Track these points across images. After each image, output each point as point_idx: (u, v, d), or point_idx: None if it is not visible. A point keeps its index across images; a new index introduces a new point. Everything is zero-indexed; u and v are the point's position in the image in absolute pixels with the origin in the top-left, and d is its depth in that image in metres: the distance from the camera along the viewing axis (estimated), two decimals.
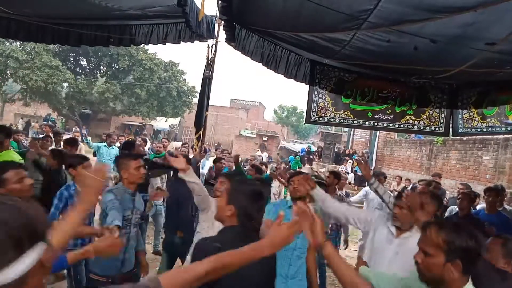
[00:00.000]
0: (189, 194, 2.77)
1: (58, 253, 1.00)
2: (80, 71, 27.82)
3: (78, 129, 22.47)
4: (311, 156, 19.30)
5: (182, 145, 9.84)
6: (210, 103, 4.82)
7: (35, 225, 0.79)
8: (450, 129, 5.06)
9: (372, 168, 17.16)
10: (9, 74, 22.76)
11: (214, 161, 5.92)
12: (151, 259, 5.48)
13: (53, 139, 6.43)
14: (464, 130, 4.98)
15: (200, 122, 4.64)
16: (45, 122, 20.20)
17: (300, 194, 2.80)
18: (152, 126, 32.47)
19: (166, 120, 32.23)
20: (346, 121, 5.17)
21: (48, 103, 25.52)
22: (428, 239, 1.46)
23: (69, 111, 26.39)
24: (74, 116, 27.00)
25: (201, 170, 6.72)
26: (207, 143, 9.37)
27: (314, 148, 22.18)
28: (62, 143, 6.31)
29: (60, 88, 24.81)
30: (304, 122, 6.92)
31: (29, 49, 22.52)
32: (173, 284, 1.15)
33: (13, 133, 5.33)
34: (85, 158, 3.27)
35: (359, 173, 15.77)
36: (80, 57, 27.58)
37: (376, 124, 5.11)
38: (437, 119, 4.97)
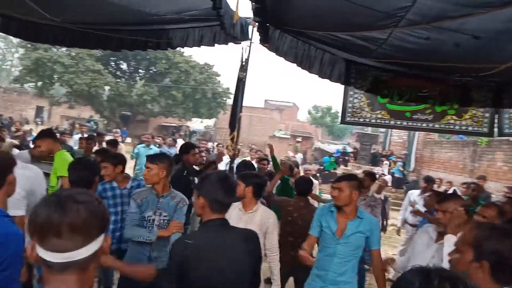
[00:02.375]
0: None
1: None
2: (121, 75, 28.98)
3: (118, 130, 23.41)
4: (346, 157, 18.96)
5: (217, 145, 10.00)
6: (244, 104, 4.86)
7: (106, 218, 1.01)
8: (495, 129, 4.78)
9: (411, 170, 16.57)
10: (56, 78, 24.09)
11: (258, 161, 5.87)
12: None
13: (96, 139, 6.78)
14: (511, 130, 4.70)
15: (234, 123, 4.69)
16: (87, 124, 21.25)
17: (340, 204, 2.68)
18: (188, 127, 33.22)
19: (201, 121, 32.88)
20: (383, 122, 5.03)
21: (91, 106, 26.82)
22: (462, 236, 1.44)
23: (110, 113, 27.57)
24: (114, 117, 28.18)
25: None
26: (241, 144, 9.44)
27: (349, 149, 21.77)
28: (104, 143, 6.62)
29: (102, 91, 25.99)
30: (339, 123, 6.80)
31: (74, 54, 23.74)
32: None
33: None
34: (122, 160, 3.40)
35: (396, 174, 15.28)
36: (121, 61, 28.73)
37: (414, 124, 4.93)
38: (480, 119, 4.71)
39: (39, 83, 24.80)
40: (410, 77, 4.34)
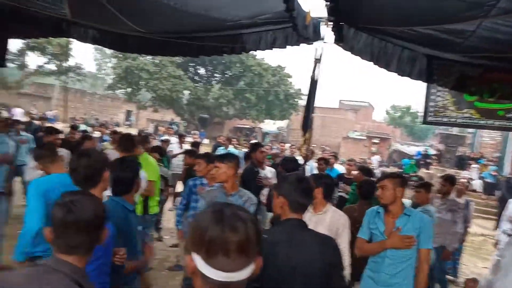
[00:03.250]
0: None
1: None
2: (199, 79, 30.63)
3: (197, 132, 24.79)
4: (428, 160, 17.66)
5: (290, 146, 10.04)
6: (317, 105, 4.82)
7: (261, 237, 0.98)
8: None
9: (506, 174, 14.82)
10: (142, 84, 26.33)
11: (317, 161, 5.91)
12: None
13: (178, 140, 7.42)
14: None
15: (306, 124, 4.67)
16: (170, 126, 22.88)
17: (385, 202, 2.61)
18: (261, 128, 33.82)
19: (274, 123, 33.26)
20: (471, 121, 4.60)
21: (173, 109, 28.81)
22: None
23: (189, 116, 29.31)
24: (193, 120, 29.87)
25: (307, 172, 6.74)
26: (313, 145, 9.37)
27: (432, 151, 20.22)
28: (184, 144, 7.11)
29: (182, 95, 27.76)
30: (420, 123, 6.37)
31: (157, 62, 25.72)
32: None
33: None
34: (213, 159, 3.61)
35: (487, 179, 13.83)
36: (199, 67, 30.36)
37: (509, 124, 4.42)
38: None
39: (128, 89, 27.36)
40: (503, 71, 3.90)
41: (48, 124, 8.93)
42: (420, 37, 3.54)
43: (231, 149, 7.87)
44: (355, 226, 3.49)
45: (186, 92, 27.96)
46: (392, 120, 41.10)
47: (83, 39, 5.62)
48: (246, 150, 7.73)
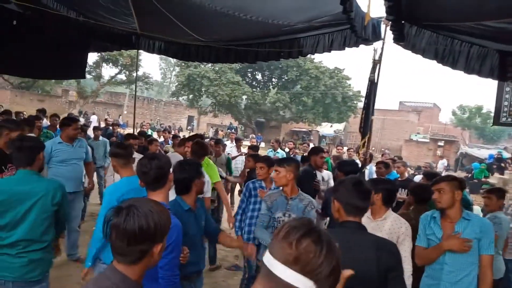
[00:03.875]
0: None
1: None
2: (256, 84, 31.14)
3: (254, 136, 25.18)
4: (502, 164, 16.16)
5: (347, 150, 9.83)
6: (376, 107, 4.69)
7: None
8: None
9: None
10: (203, 91, 27.46)
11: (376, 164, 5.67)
12: None
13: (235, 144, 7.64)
14: None
15: (366, 127, 4.56)
16: (228, 130, 23.53)
17: (442, 206, 2.47)
18: (318, 131, 33.40)
19: (331, 126, 32.68)
20: None
21: (231, 114, 29.62)
22: None
23: (247, 120, 29.90)
24: (251, 124, 30.42)
25: (366, 177, 6.56)
26: (373, 148, 9.08)
27: (506, 155, 18.50)
28: (241, 147, 7.32)
29: (240, 101, 28.44)
30: (491, 124, 5.89)
31: (217, 69, 26.66)
32: None
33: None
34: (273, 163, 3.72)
35: None
36: (256, 72, 30.87)
37: None
38: None
39: (190, 96, 28.68)
40: None
41: (119, 130, 9.68)
42: (491, 32, 3.31)
43: (279, 151, 7.92)
44: (413, 234, 3.34)
45: (244, 97, 28.58)
46: (460, 122, 38.25)
47: (150, 50, 6.07)
48: (302, 153, 7.73)
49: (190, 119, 38.10)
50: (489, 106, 33.60)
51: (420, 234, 2.65)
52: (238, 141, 8.20)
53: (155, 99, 39.34)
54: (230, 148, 7.80)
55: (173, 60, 43.54)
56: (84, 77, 6.36)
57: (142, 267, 1.24)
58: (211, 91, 26.31)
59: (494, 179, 13.59)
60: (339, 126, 33.22)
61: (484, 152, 22.93)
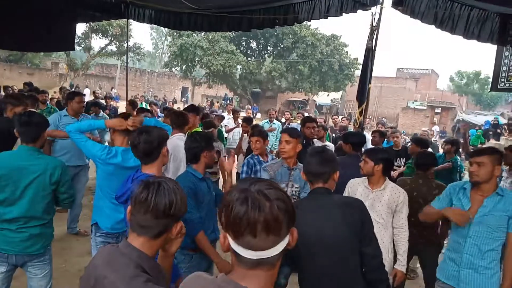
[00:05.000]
0: (357, 168, 2.79)
1: None
2: (251, 53, 30.58)
3: (249, 106, 25.04)
4: (498, 130, 16.27)
5: (342, 118, 9.78)
6: (373, 75, 4.62)
7: (294, 213, 0.96)
8: None
9: None
10: (196, 61, 26.95)
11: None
12: None
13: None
14: None
15: (363, 95, 4.52)
16: (224, 102, 23.29)
17: (480, 180, 2.37)
18: (315, 101, 33.21)
19: (328, 95, 32.46)
20: None
21: (226, 84, 29.23)
22: None
23: (242, 90, 29.57)
24: (246, 95, 30.12)
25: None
26: (369, 117, 9.06)
27: (503, 121, 18.59)
28: (239, 119, 7.23)
29: (235, 71, 27.98)
30: (489, 90, 5.83)
31: (210, 38, 26.04)
32: None
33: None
34: (267, 136, 3.66)
35: None
36: (251, 40, 30.22)
37: None
38: None
39: (184, 66, 28.16)
40: None
41: (112, 103, 9.54)
42: None
43: (275, 122, 7.87)
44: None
45: (239, 67, 28.13)
46: (458, 88, 38.15)
47: (140, 19, 5.87)
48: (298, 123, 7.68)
49: (184, 90, 37.64)
50: (487, 71, 33.45)
51: (441, 197, 2.60)
52: (235, 113, 8.16)
53: (148, 71, 38.62)
54: (227, 120, 7.73)
55: (164, 30, 42.47)
56: (73, 49, 6.15)
57: (160, 243, 1.28)
58: (205, 61, 25.78)
59: (490, 145, 13.70)
60: (336, 95, 33.01)
61: (481, 119, 23.03)
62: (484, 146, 13.45)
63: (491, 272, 2.38)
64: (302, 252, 1.78)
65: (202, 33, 24.94)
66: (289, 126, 6.97)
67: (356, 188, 2.75)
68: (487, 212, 2.34)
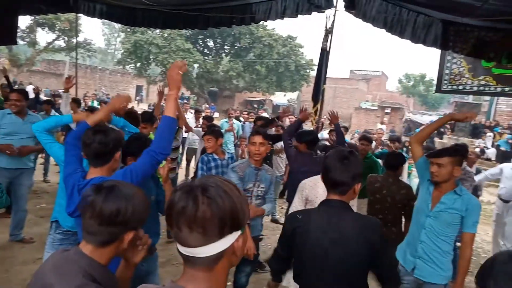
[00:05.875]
0: (313, 164, 2.84)
1: None
2: (208, 52, 30.24)
3: (207, 106, 24.80)
4: (442, 129, 17.40)
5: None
6: (328, 76, 4.75)
7: (238, 214, 0.89)
8: None
9: None
10: (151, 59, 26.18)
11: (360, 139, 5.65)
12: (272, 227, 5.84)
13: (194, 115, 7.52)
14: None
15: (317, 95, 4.63)
16: (180, 101, 22.83)
17: (439, 180, 2.49)
18: (272, 101, 33.57)
19: (284, 95, 32.94)
20: (487, 89, 4.48)
21: (182, 83, 28.59)
22: None
23: (199, 89, 29.19)
24: (203, 94, 29.77)
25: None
26: (324, 117, 9.30)
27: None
28: (200, 119, 7.18)
29: (192, 69, 27.55)
30: (434, 92, 6.22)
31: (166, 35, 25.41)
32: None
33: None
34: (222, 134, 3.65)
35: (502, 147, 13.63)
36: (208, 39, 29.89)
37: None
38: None
39: (138, 64, 27.24)
40: None
41: (60, 101, 9.02)
42: (437, 2, 3.41)
43: (235, 121, 7.90)
44: (375, 196, 3.50)
45: (196, 66, 27.74)
46: (405, 89, 40.30)
47: (90, 14, 5.58)
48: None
49: (138, 88, 36.42)
50: (432, 74, 35.67)
51: (422, 167, 2.70)
52: (197, 113, 8.17)
53: (99, 68, 36.90)
54: (188, 120, 7.62)
55: (117, 25, 40.84)
56: (15, 43, 5.70)
57: (109, 252, 1.19)
58: (160, 59, 25.13)
59: (435, 143, 14.62)
60: (293, 95, 33.59)
61: (426, 118, 24.50)
62: (429, 144, 14.31)
63: (442, 264, 2.54)
64: (306, 265, 1.72)
65: (158, 30, 24.30)
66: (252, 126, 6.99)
67: (316, 189, 2.69)
68: (443, 209, 2.48)
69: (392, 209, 3.40)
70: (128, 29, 25.23)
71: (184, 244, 0.87)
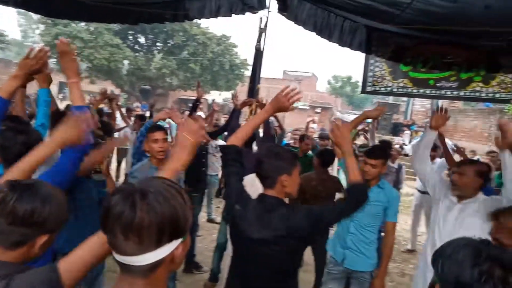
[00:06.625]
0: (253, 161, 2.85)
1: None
2: (139, 48, 28.97)
3: (139, 104, 23.77)
4: (366, 128, 18.68)
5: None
6: (262, 76, 4.82)
7: (179, 222, 0.85)
8: None
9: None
10: (76, 53, 24.35)
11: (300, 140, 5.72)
12: (208, 227, 5.79)
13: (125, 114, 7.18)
14: None
15: (252, 95, 4.68)
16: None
17: (369, 178, 2.74)
18: (207, 100, 33.27)
19: (219, 94, 32.83)
20: (405, 91, 4.90)
21: (111, 80, 27.13)
22: (502, 227, 1.39)
23: (130, 87, 27.86)
24: (135, 92, 28.48)
25: None
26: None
27: (370, 119, 21.41)
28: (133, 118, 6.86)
29: (121, 66, 26.18)
30: (359, 93, 6.67)
31: (92, 29, 23.83)
32: (71, 269, 1.04)
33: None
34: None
35: None
36: (138, 35, 28.63)
37: (438, 92, 4.78)
38: (509, 85, 4.52)
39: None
40: (435, 43, 4.17)
41: None
42: (360, 8, 3.63)
43: (169, 121, 7.71)
44: (312, 194, 3.62)
45: (126, 62, 26.42)
46: (334, 90, 42.58)
47: (2, 2, 5.01)
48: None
49: (61, 85, 33.64)
50: (358, 76, 38.16)
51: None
52: (128, 111, 7.81)
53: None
54: (117, 118, 7.20)
55: (35, 16, 37.34)
56: None
57: (20, 255, 1.07)
58: (86, 54, 23.49)
59: (359, 141, 15.63)
60: (228, 94, 33.60)
61: (352, 117, 26.03)
62: (356, 142, 15.25)
63: (368, 252, 2.76)
64: (236, 256, 1.81)
65: (83, 23, 22.69)
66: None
67: (255, 186, 2.75)
68: (368, 202, 2.70)
69: (323, 203, 3.59)
70: (49, 21, 23.19)
71: (119, 251, 0.82)
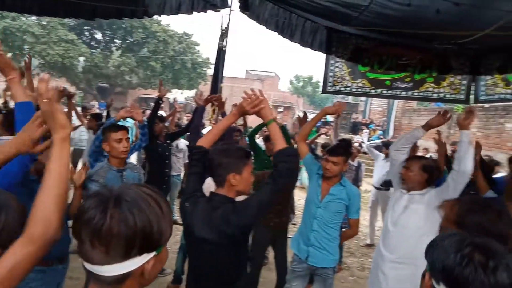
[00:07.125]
0: None
1: None
2: (96, 45, 27.84)
3: (96, 103, 22.82)
4: (328, 126, 19.15)
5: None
6: (225, 75, 4.79)
7: (152, 235, 0.80)
8: (471, 96, 4.91)
9: (390, 137, 16.94)
10: (26, 49, 23.00)
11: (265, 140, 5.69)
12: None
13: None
14: (486, 97, 4.82)
15: (215, 94, 4.63)
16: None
17: (331, 175, 2.82)
18: (168, 98, 32.59)
19: (181, 93, 32.30)
20: (363, 90, 5.06)
21: (66, 78, 25.85)
22: (445, 215, 1.47)
23: (86, 85, 26.70)
24: (91, 90, 27.33)
25: None
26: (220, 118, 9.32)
27: (330, 118, 21.92)
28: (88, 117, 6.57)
29: (77, 62, 25.02)
30: (320, 92, 6.80)
31: (44, 23, 22.58)
32: None
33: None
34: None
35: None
36: (95, 31, 27.50)
37: (394, 92, 4.98)
38: (458, 86, 4.81)
39: (10, 54, 23.60)
40: (391, 45, 4.35)
41: None
42: (321, 10, 3.70)
43: (128, 119, 7.49)
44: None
45: (82, 59, 25.28)
46: (296, 90, 43.28)
47: None
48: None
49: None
50: (318, 76, 39.02)
51: (310, 163, 2.99)
52: (84, 110, 7.48)
53: None
54: (74, 119, 6.86)
55: None
56: None
57: None
58: (38, 49, 22.22)
59: (320, 139, 15.99)
60: (190, 93, 33.14)
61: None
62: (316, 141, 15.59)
63: (331, 249, 2.83)
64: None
65: (34, 17, 21.43)
66: None
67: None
68: (331, 199, 2.80)
69: (287, 200, 3.65)
70: None
71: (86, 258, 0.79)
